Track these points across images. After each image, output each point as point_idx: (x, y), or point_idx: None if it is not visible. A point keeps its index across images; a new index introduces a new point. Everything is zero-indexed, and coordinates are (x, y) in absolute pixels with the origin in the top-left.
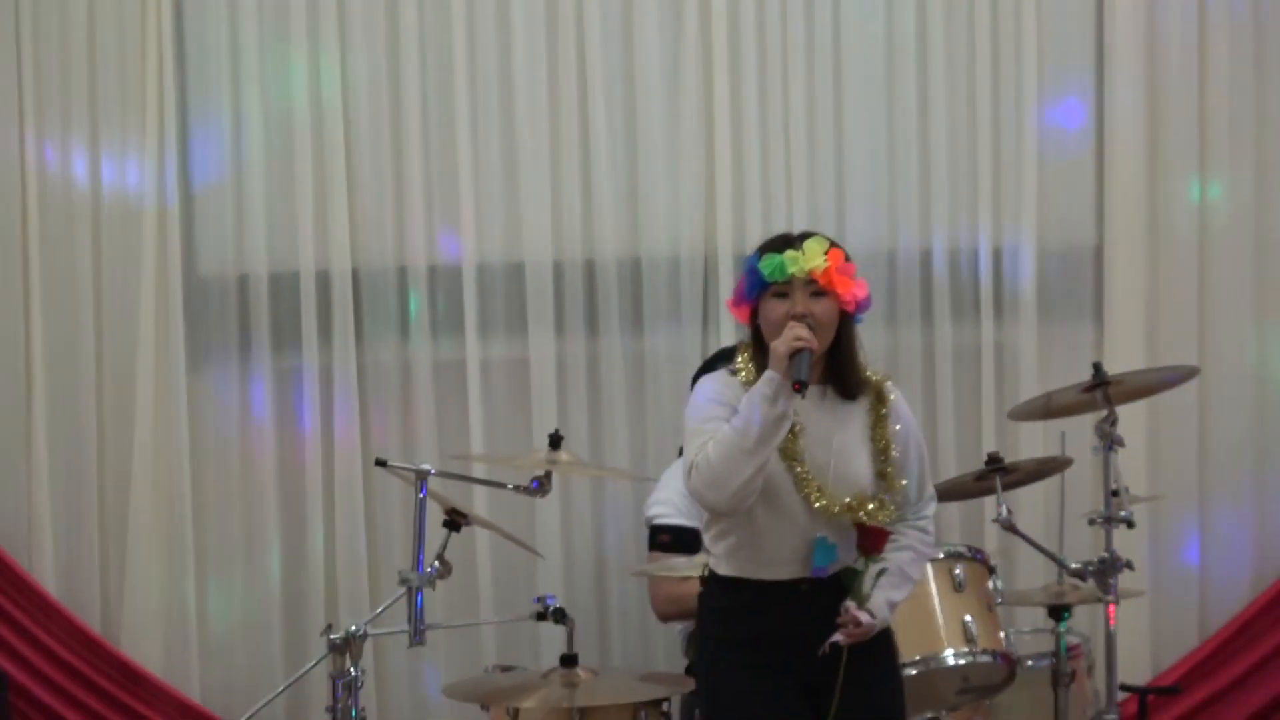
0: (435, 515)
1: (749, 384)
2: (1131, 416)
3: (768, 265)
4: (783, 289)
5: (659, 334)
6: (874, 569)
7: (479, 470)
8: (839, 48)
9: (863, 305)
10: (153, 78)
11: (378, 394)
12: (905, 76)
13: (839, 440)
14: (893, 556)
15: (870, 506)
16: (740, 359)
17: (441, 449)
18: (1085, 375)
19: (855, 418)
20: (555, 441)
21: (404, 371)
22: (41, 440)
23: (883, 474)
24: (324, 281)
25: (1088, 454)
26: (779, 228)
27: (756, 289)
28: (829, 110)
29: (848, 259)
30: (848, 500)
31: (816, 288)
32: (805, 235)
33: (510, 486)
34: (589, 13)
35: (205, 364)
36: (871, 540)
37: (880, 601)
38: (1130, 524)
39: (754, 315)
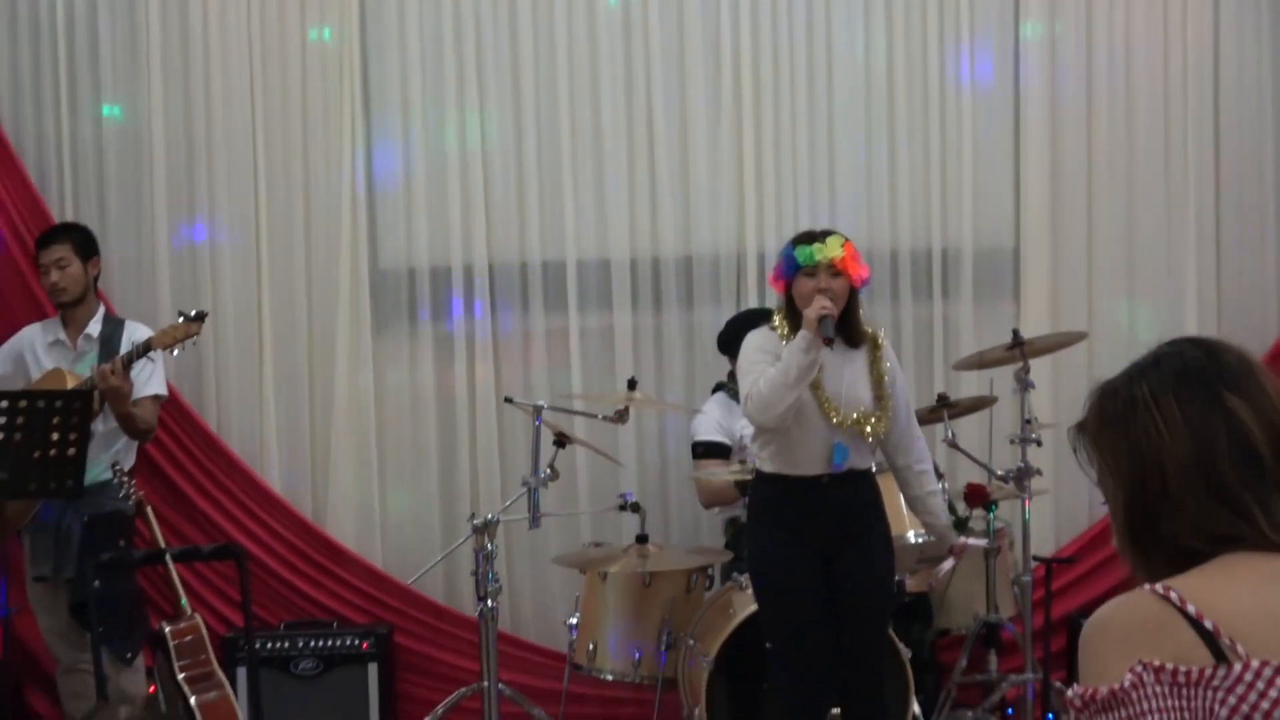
0: (547, 437)
1: (784, 337)
2: (1040, 367)
3: (802, 254)
4: (811, 271)
5: (705, 310)
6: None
7: (578, 405)
8: (831, 101)
9: (865, 282)
10: (347, 126)
11: (506, 352)
12: (878, 122)
13: (848, 375)
14: (926, 488)
15: (872, 421)
16: (776, 319)
17: (552, 390)
18: (1007, 339)
19: (859, 359)
20: (631, 385)
21: (525, 337)
22: (270, 385)
23: (879, 397)
24: (468, 273)
25: (1009, 394)
26: (790, 232)
27: (792, 270)
28: (824, 147)
29: (854, 249)
30: (855, 416)
31: (835, 270)
32: (826, 232)
33: (600, 416)
34: (654, 71)
35: (385, 330)
36: (974, 496)
37: (940, 518)
38: (1039, 443)
39: (787, 288)
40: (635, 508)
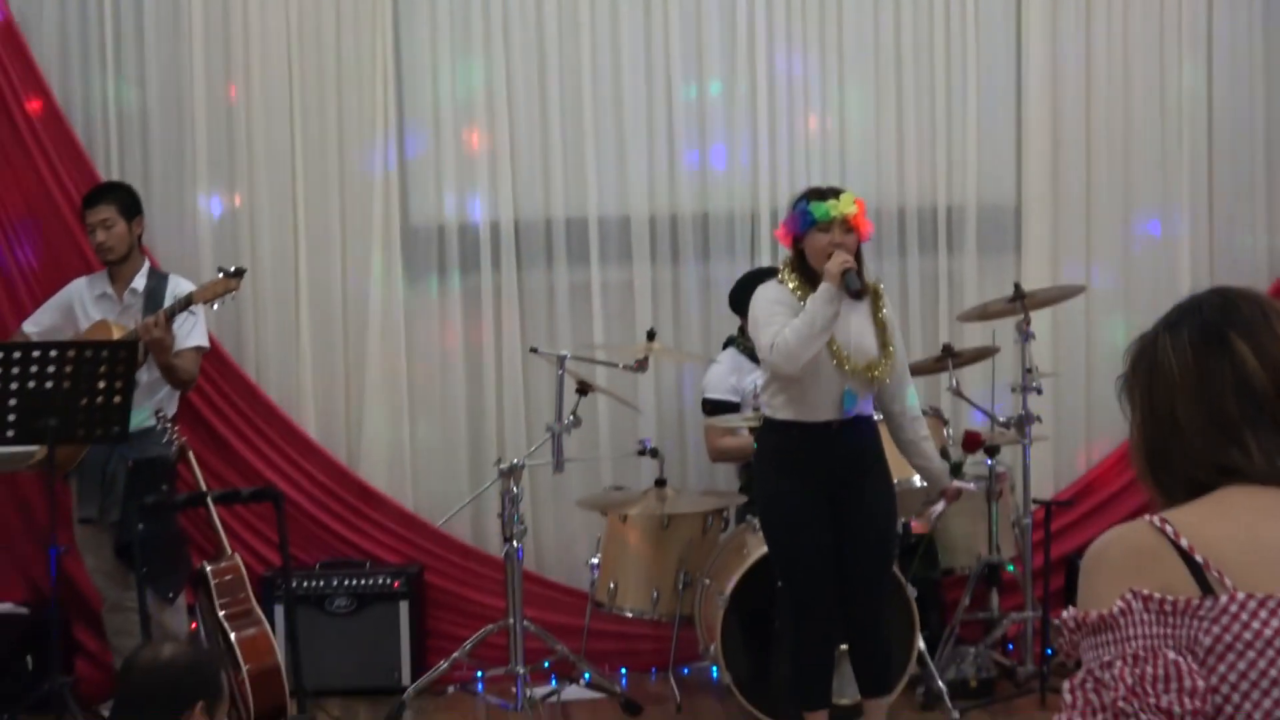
0: (570, 386)
1: (794, 290)
2: (1040, 319)
3: (818, 209)
4: (825, 226)
5: (720, 265)
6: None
7: (600, 355)
8: (842, 64)
9: (868, 235)
10: (379, 89)
11: (531, 305)
12: (887, 85)
13: (855, 325)
14: (917, 432)
15: (879, 367)
16: (784, 273)
17: (575, 341)
18: (1009, 292)
19: (863, 310)
20: (650, 336)
21: (549, 290)
22: (306, 336)
23: (884, 344)
24: (494, 229)
25: (1010, 345)
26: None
27: (807, 225)
28: (835, 109)
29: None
30: (865, 363)
31: (849, 226)
32: (835, 190)
33: (620, 366)
34: (672, 37)
35: (416, 284)
36: (972, 444)
37: (934, 462)
38: (1039, 391)
39: (796, 242)
40: (654, 453)
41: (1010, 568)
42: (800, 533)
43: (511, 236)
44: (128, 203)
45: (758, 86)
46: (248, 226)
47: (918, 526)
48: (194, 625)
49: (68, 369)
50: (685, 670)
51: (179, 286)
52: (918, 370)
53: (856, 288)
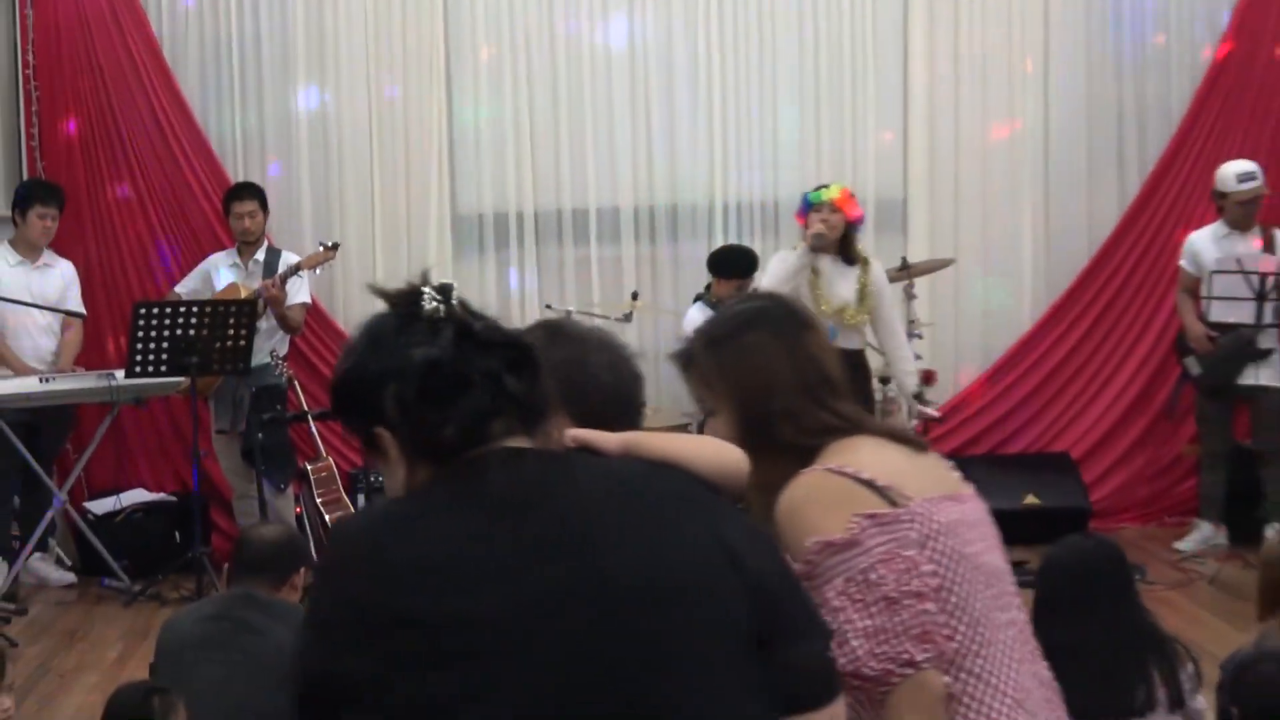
0: None
1: (796, 249)
2: (920, 284)
3: (813, 196)
4: (819, 208)
5: (686, 244)
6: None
7: (597, 310)
8: (775, 89)
9: (859, 219)
10: (434, 112)
11: (546, 273)
12: (808, 104)
13: (840, 282)
14: (900, 365)
15: (850, 313)
16: (798, 243)
17: (579, 300)
18: (898, 263)
19: (851, 274)
20: (635, 296)
21: (559, 262)
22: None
23: (861, 299)
24: (520, 218)
25: (900, 303)
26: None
27: (807, 208)
28: (770, 125)
29: (852, 195)
30: (838, 307)
31: (834, 207)
32: (826, 186)
33: (612, 318)
34: (651, 68)
35: (462, 258)
36: (927, 378)
37: (908, 383)
38: (920, 336)
39: (806, 221)
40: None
41: None
42: None
43: (533, 223)
44: (264, 200)
45: (714, 110)
46: (338, 213)
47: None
48: (298, 510)
49: (205, 320)
50: None
51: (289, 258)
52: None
53: (817, 246)
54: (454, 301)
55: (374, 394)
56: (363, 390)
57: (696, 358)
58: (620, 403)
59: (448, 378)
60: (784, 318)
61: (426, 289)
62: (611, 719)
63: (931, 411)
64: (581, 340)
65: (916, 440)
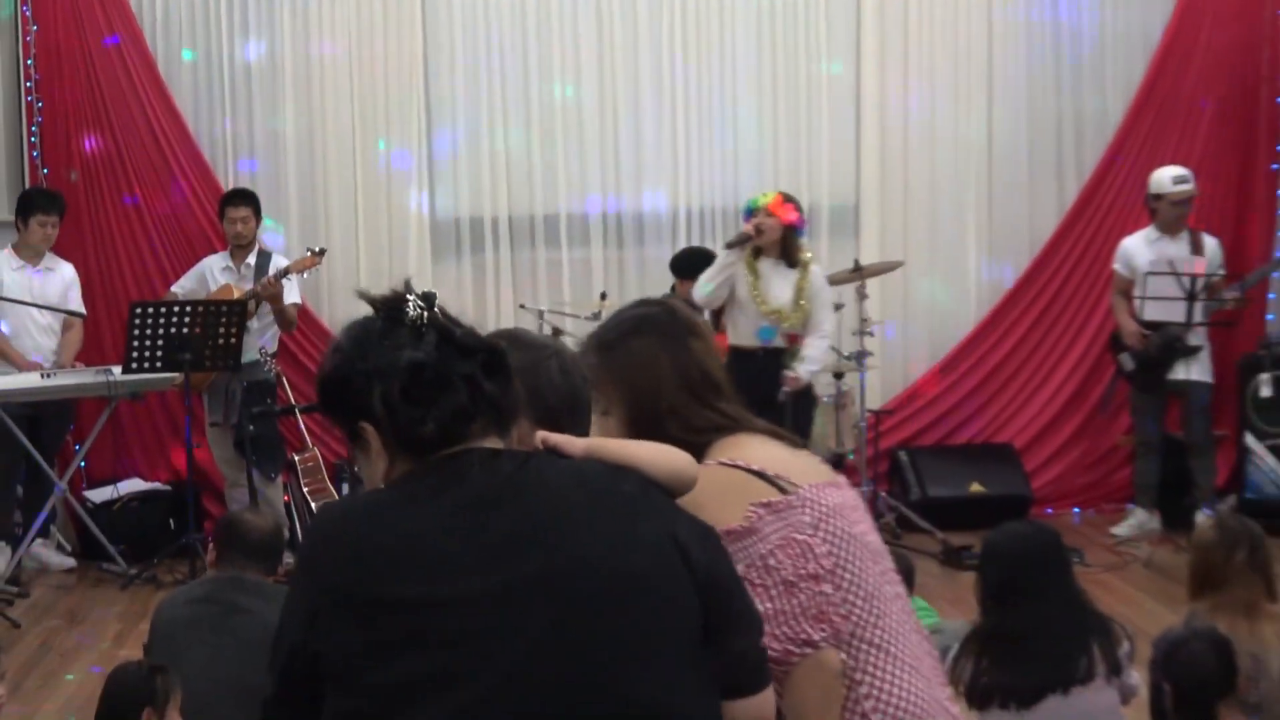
0: (547, 331)
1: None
2: (872, 285)
3: (752, 203)
4: (756, 213)
5: (651, 247)
6: (799, 354)
7: (567, 309)
8: (736, 106)
9: (799, 223)
10: (414, 130)
11: (520, 276)
12: (767, 118)
13: (778, 284)
14: (807, 351)
15: (785, 314)
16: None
17: (550, 300)
18: (850, 265)
19: (791, 276)
20: (603, 296)
21: (532, 265)
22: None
23: (798, 302)
24: (495, 222)
25: (852, 302)
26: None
27: (749, 215)
28: (731, 139)
29: (788, 199)
30: (775, 309)
31: (769, 213)
32: (765, 194)
33: (582, 316)
34: (619, 84)
35: (441, 261)
36: (792, 340)
37: (802, 370)
38: (871, 334)
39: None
40: None
41: (850, 455)
42: None
43: (507, 228)
44: (257, 206)
45: (676, 122)
46: (323, 221)
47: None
48: (286, 498)
49: (198, 320)
50: None
51: (278, 261)
52: None
53: (734, 244)
54: (436, 308)
55: (361, 391)
56: (351, 387)
57: (587, 362)
58: (572, 404)
59: (431, 379)
60: (670, 324)
61: (411, 296)
62: (579, 703)
63: (795, 378)
64: (537, 348)
65: (793, 438)
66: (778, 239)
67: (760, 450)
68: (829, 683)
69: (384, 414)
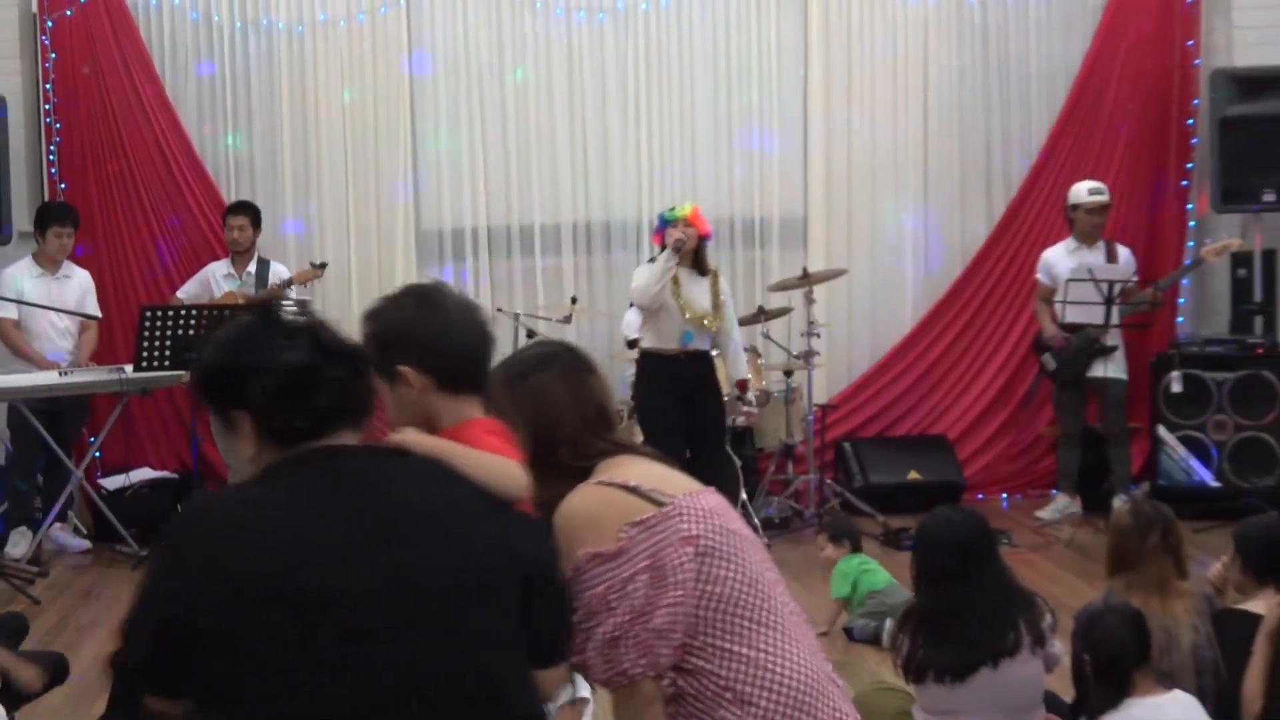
0: (523, 333)
1: (653, 261)
2: (819, 290)
3: (669, 214)
4: (675, 223)
5: (618, 254)
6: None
7: (541, 313)
8: (694, 123)
9: (709, 234)
10: (401, 149)
11: (498, 281)
12: (722, 136)
13: (696, 291)
14: (733, 359)
15: (708, 319)
16: (654, 255)
17: (525, 304)
18: (799, 272)
19: (704, 283)
20: (574, 300)
21: (509, 271)
22: (355, 305)
23: (715, 307)
24: (475, 233)
25: (801, 306)
26: (670, 205)
27: (663, 225)
28: (689, 154)
29: (701, 213)
30: (698, 314)
31: (687, 223)
32: (677, 206)
33: (554, 319)
34: (588, 104)
35: (426, 269)
36: (742, 387)
37: (739, 373)
38: (818, 335)
39: (662, 238)
40: None
41: (799, 445)
42: (662, 424)
43: (485, 237)
44: (256, 216)
45: (640, 140)
46: (318, 232)
47: (742, 423)
48: None
49: (204, 322)
50: None
51: (278, 268)
52: (743, 323)
53: (677, 249)
54: (308, 314)
55: (241, 382)
56: (232, 377)
57: (495, 391)
58: (475, 362)
59: (306, 378)
60: (570, 362)
61: (287, 302)
62: (444, 676)
63: (751, 410)
64: (446, 309)
65: (669, 459)
66: (693, 249)
67: (639, 468)
68: (640, 709)
69: (260, 406)
